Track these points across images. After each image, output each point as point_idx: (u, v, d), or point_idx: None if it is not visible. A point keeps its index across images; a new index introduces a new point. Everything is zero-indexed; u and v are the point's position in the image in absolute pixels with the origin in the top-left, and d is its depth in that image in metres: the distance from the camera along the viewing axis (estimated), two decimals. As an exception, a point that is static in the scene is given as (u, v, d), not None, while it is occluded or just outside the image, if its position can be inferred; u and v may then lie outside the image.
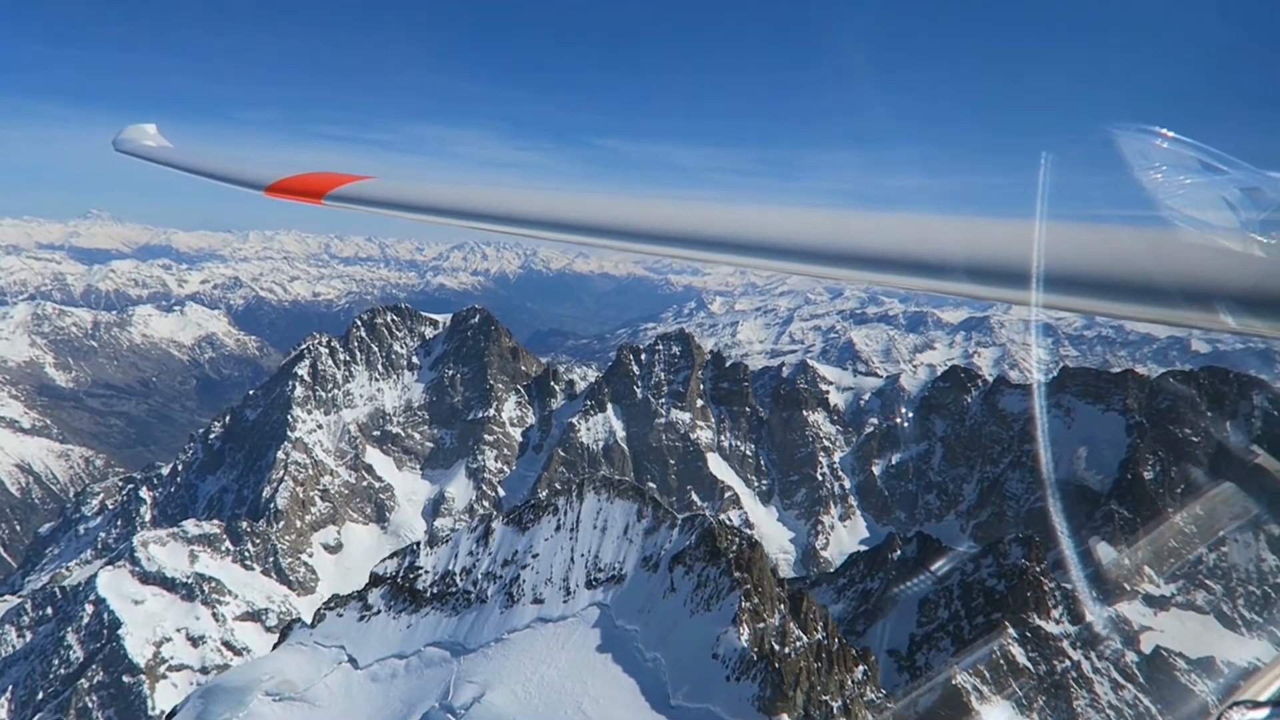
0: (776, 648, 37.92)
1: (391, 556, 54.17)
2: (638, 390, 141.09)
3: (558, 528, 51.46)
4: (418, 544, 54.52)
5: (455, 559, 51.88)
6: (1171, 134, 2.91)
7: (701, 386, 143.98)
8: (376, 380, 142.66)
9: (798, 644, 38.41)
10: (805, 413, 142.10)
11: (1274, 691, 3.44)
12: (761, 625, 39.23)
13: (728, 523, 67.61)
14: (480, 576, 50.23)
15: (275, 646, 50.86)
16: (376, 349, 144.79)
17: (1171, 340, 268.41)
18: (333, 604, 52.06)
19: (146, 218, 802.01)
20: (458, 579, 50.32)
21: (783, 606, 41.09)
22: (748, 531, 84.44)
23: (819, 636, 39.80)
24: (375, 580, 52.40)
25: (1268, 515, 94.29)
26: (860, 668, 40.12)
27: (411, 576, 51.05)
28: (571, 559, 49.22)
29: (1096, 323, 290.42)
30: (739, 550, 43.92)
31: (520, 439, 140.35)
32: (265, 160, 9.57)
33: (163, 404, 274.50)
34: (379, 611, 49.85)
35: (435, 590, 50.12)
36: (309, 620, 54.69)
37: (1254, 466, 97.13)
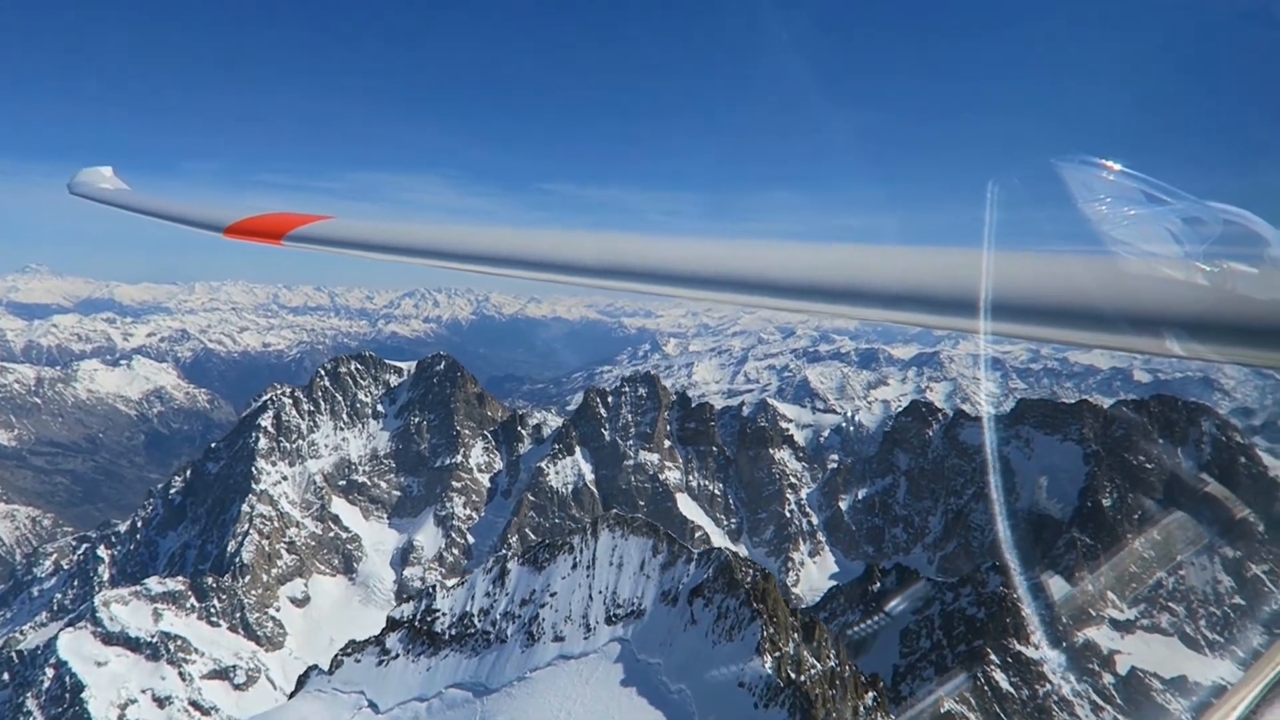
0: (793, 675, 38.98)
1: (408, 600, 54.19)
2: (605, 433, 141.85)
3: (574, 565, 52.03)
4: (433, 587, 54.68)
5: (472, 600, 52.08)
6: (1116, 166, 3.04)
7: (668, 427, 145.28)
8: (341, 429, 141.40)
9: (812, 671, 39.54)
10: (771, 450, 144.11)
11: (1239, 715, 3.50)
12: (778, 654, 40.30)
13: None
14: (499, 617, 50.51)
15: (293, 694, 50.38)
16: (341, 398, 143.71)
17: (1115, 371, 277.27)
18: (349, 649, 51.82)
19: (87, 271, 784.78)
20: (476, 620, 50.52)
21: (796, 635, 42.27)
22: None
23: (832, 664, 41.00)
24: (392, 624, 52.32)
25: (1221, 539, 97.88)
26: (870, 694, 41.27)
27: (429, 619, 51.12)
28: (590, 596, 49.79)
29: (1042, 355, 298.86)
30: (754, 581, 45.09)
31: (488, 485, 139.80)
32: (223, 202, 9.57)
33: (110, 460, 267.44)
34: (397, 655, 49.77)
35: (454, 632, 50.25)
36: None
37: (1206, 491, 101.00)
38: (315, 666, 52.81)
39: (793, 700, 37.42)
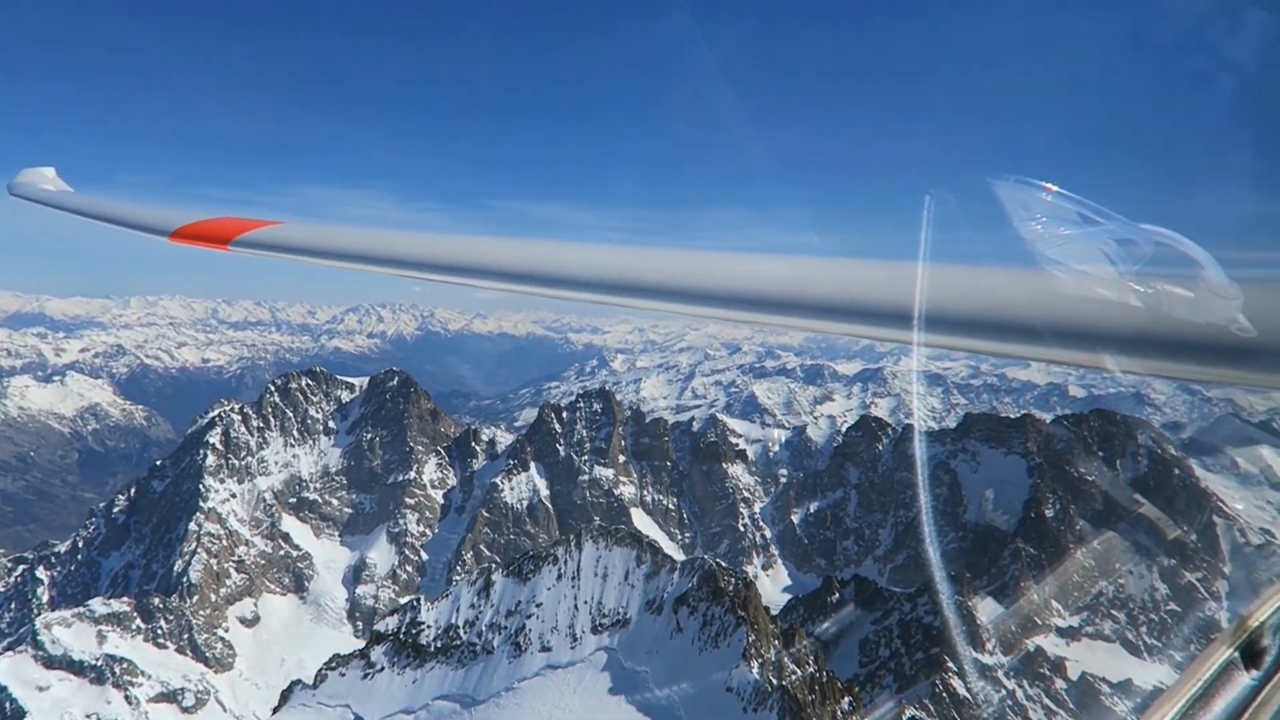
0: (775, 681, 40.06)
1: (392, 613, 54.06)
2: (560, 448, 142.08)
3: (559, 577, 52.53)
4: (418, 599, 54.61)
5: (457, 612, 52.18)
6: (1053, 187, 3.05)
7: (623, 443, 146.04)
8: (292, 446, 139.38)
9: (794, 677, 40.66)
10: (724, 465, 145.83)
11: (1173, 717, 3.57)
12: (761, 660, 41.36)
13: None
14: (484, 628, 50.72)
15: (276, 709, 49.81)
16: (291, 414, 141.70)
17: (1051, 386, 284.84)
18: (334, 663, 51.46)
19: (14, 285, 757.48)
20: (462, 632, 50.65)
21: (777, 642, 43.39)
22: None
23: (811, 670, 42.16)
24: (377, 638, 52.11)
25: (1157, 548, 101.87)
26: (845, 699, 42.49)
27: (414, 632, 51.06)
28: (575, 606, 50.34)
29: (982, 371, 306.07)
30: (737, 589, 46.18)
31: (442, 501, 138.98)
32: (169, 205, 9.14)
33: (42, 479, 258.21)
34: (382, 668, 49.60)
35: (439, 644, 50.29)
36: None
37: (1144, 502, 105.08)
38: (299, 681, 52.32)
39: (781, 704, 38.49)
